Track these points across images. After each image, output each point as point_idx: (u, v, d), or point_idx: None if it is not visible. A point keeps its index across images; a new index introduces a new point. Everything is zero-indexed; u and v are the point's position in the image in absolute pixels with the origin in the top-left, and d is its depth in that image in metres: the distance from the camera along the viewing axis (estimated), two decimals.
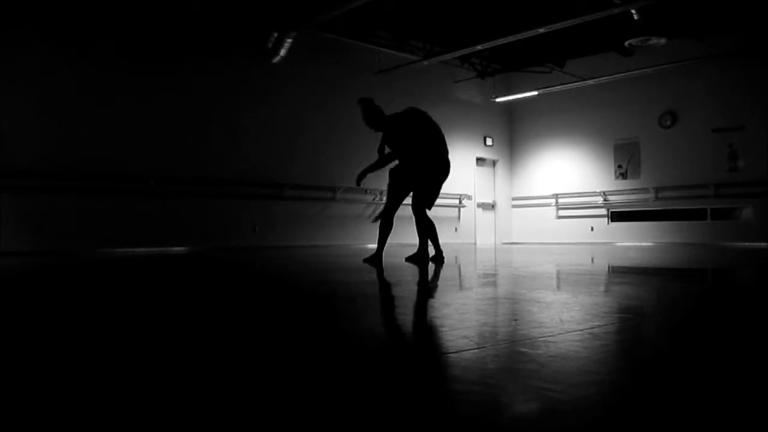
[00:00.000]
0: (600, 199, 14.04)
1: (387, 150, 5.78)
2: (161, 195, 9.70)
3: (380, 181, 6.99)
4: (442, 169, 5.57)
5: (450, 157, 5.66)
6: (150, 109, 9.65)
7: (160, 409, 1.09)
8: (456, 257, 7.16)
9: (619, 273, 4.80)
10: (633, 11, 9.36)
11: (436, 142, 5.54)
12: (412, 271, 4.75)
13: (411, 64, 12.01)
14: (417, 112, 5.64)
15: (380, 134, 5.75)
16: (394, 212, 5.64)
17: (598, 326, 1.92)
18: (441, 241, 5.86)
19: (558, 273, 4.62)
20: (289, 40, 10.50)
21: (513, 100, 14.55)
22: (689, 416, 1.04)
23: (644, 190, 13.41)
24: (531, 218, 15.33)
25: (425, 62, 11.97)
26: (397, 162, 5.71)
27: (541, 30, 10.00)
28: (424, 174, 5.52)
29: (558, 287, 3.52)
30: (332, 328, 2.08)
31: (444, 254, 5.77)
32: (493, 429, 0.97)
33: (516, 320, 2.17)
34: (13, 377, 1.36)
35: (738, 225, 12.13)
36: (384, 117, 5.66)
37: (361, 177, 5.81)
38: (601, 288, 3.39)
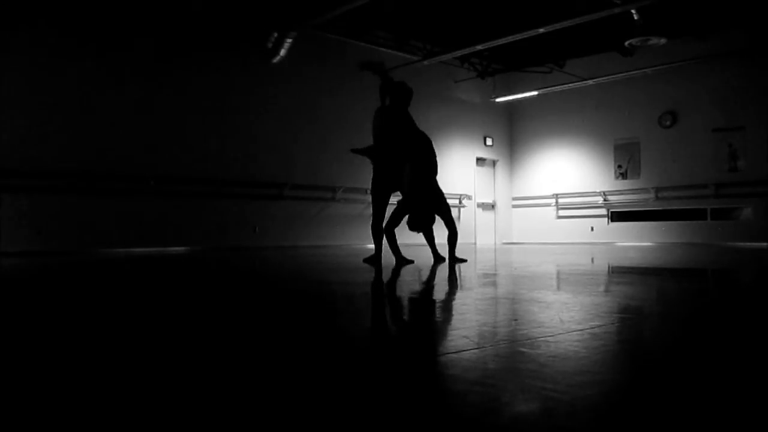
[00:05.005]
0: (600, 199, 14.03)
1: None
2: (161, 195, 9.68)
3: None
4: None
5: (445, 159, 5.85)
6: (150, 109, 9.64)
7: (156, 407, 1.09)
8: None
9: (619, 273, 4.80)
10: (633, 11, 9.36)
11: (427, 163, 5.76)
12: (411, 270, 4.75)
13: (411, 64, 12.00)
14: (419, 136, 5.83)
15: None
16: (382, 219, 5.70)
17: (598, 326, 1.92)
18: (439, 241, 5.91)
19: (558, 273, 4.62)
20: (289, 40, 10.49)
21: (513, 100, 14.54)
22: (688, 416, 1.04)
23: (644, 190, 13.40)
24: (531, 218, 15.31)
25: (425, 62, 11.96)
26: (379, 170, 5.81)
27: (541, 30, 10.00)
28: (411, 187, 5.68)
29: (558, 287, 3.52)
30: (332, 328, 2.08)
31: (404, 261, 5.51)
32: (493, 429, 0.97)
33: (516, 320, 2.17)
34: (14, 378, 1.36)
35: (738, 225, 12.12)
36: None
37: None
38: (601, 288, 3.39)
